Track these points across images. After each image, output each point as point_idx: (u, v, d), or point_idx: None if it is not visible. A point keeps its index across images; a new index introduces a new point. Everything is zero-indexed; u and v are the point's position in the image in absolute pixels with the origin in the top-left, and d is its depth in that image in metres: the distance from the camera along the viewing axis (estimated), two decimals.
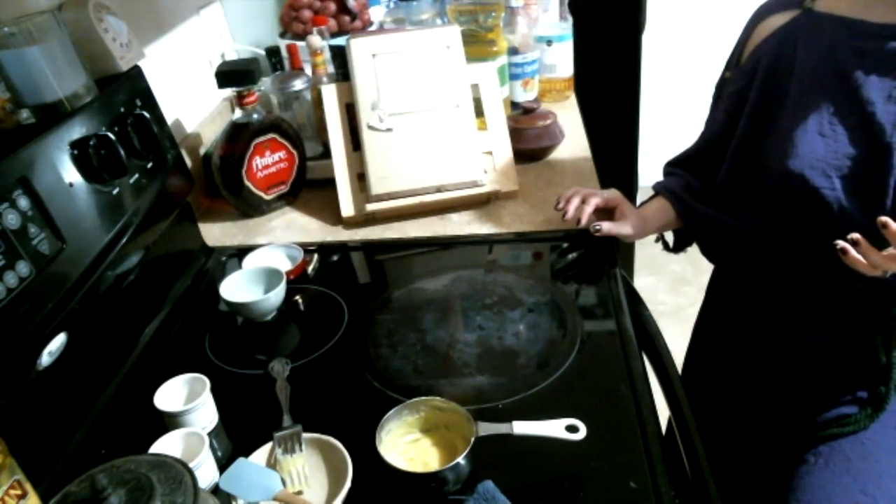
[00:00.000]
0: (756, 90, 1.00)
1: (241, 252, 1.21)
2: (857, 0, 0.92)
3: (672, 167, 1.19)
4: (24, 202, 0.80)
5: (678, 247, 1.23)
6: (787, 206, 0.98)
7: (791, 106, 0.95)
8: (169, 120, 1.18)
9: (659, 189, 1.16)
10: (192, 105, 1.46)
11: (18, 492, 0.60)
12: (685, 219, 1.12)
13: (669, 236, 1.23)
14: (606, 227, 1.10)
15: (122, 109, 1.02)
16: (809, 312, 1.02)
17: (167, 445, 0.79)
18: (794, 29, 0.98)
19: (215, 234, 1.31)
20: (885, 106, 0.89)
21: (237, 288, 1.07)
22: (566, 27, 1.69)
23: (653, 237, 1.22)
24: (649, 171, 1.99)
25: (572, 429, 0.75)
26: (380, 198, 1.26)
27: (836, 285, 0.98)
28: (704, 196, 1.12)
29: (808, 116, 0.93)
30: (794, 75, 0.96)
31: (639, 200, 1.25)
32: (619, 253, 1.16)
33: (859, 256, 0.83)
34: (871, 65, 0.90)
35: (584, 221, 1.11)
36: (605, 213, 1.14)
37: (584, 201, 1.12)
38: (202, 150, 1.41)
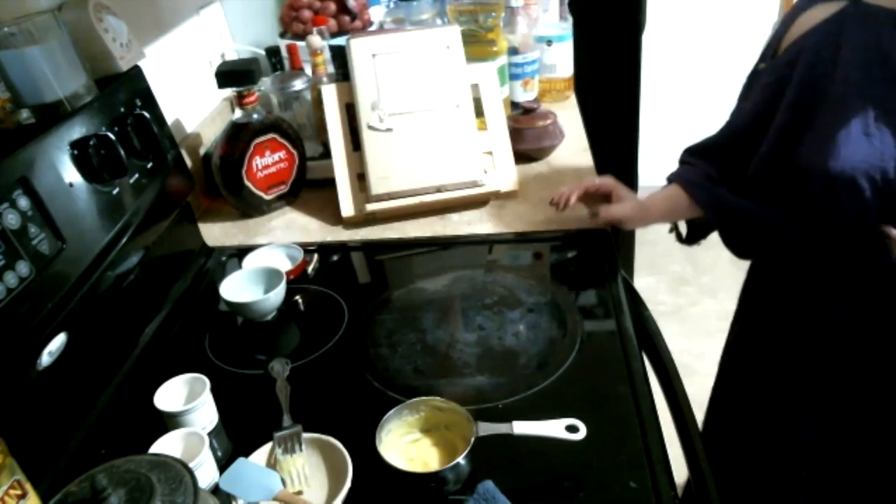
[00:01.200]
0: (796, 83, 0.95)
1: (241, 252, 1.21)
2: None
3: (690, 156, 1.15)
4: (24, 202, 0.80)
5: (693, 238, 1.19)
6: (825, 205, 0.94)
7: (834, 102, 0.91)
8: (169, 120, 1.18)
9: (674, 178, 1.12)
10: (192, 105, 1.46)
11: (18, 492, 0.60)
12: (709, 207, 1.07)
13: (683, 227, 1.19)
14: (603, 211, 1.08)
15: (122, 109, 1.02)
16: (844, 315, 0.99)
17: (167, 445, 0.79)
18: (840, 22, 0.92)
19: (215, 234, 1.31)
20: None
21: (237, 288, 1.07)
22: (566, 27, 1.69)
23: (654, 235, 1.20)
24: (649, 171, 1.99)
25: (572, 429, 0.75)
26: (380, 198, 1.26)
27: (872, 288, 0.96)
28: (724, 186, 1.08)
29: (852, 115, 0.88)
30: (837, 70, 0.91)
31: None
32: (620, 253, 1.16)
33: None
34: None
35: (573, 200, 1.09)
36: (603, 200, 1.12)
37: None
38: (202, 150, 1.41)
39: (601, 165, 1.41)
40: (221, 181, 1.30)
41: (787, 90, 0.96)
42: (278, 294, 1.04)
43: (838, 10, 0.93)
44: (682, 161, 1.15)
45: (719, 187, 1.07)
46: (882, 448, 1.05)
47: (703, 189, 1.08)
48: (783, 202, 1.00)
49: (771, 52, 1.04)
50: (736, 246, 1.10)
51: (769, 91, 1.00)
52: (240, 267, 1.15)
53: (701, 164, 1.11)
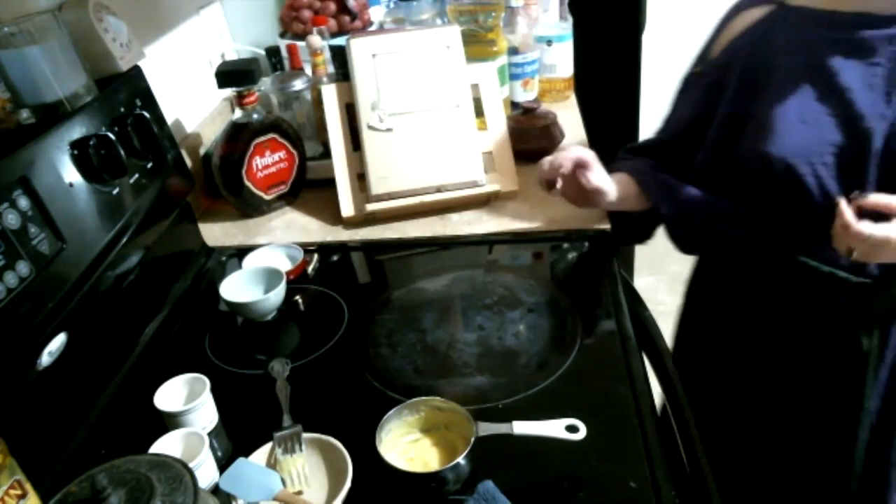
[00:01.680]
0: (735, 81, 1.01)
1: (241, 252, 1.21)
2: None
3: (629, 153, 1.15)
4: (24, 202, 0.80)
5: (631, 240, 1.20)
6: (769, 194, 0.98)
7: (770, 95, 0.96)
8: (169, 120, 1.18)
9: (621, 168, 1.10)
10: (192, 105, 1.46)
11: (18, 492, 0.60)
12: (658, 195, 1.06)
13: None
14: (594, 178, 1.03)
15: (122, 109, 1.02)
16: (797, 302, 1.02)
17: (167, 445, 0.79)
18: (770, 23, 0.99)
19: (215, 234, 1.31)
20: (864, 93, 0.90)
21: (237, 288, 1.07)
22: (566, 27, 1.69)
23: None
24: None
25: (572, 429, 0.75)
26: (380, 198, 1.26)
27: (819, 274, 0.99)
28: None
29: (789, 104, 0.94)
30: (772, 66, 0.97)
31: None
32: (619, 253, 1.16)
33: (849, 219, 0.85)
34: (846, 53, 0.92)
35: (568, 169, 1.03)
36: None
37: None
38: (202, 150, 1.41)
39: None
40: (221, 181, 1.30)
41: (727, 89, 1.01)
42: (278, 294, 1.04)
43: (767, 13, 0.99)
44: (620, 158, 1.15)
45: (665, 175, 1.09)
46: (840, 431, 1.07)
47: (651, 176, 1.09)
48: (729, 195, 1.03)
49: (705, 56, 1.08)
50: (681, 238, 1.10)
51: (706, 93, 1.05)
52: (240, 267, 1.15)
53: (642, 158, 1.13)
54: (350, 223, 1.29)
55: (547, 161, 1.06)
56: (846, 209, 0.85)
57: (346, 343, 1.00)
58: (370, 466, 0.74)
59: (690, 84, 1.11)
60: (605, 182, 1.05)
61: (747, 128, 0.99)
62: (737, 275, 1.11)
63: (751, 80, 0.99)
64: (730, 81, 1.01)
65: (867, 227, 0.84)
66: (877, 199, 0.86)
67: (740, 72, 1.00)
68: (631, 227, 1.19)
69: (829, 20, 0.93)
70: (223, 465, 0.80)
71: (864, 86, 0.90)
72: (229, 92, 1.34)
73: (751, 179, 0.99)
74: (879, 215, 0.86)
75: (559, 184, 1.06)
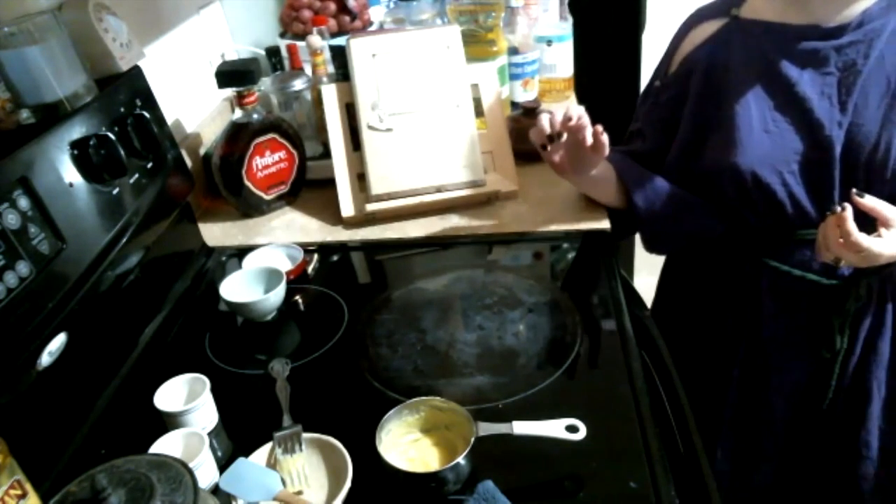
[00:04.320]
0: (694, 94, 1.02)
1: (241, 252, 1.21)
2: (775, 6, 0.97)
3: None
4: (24, 202, 0.80)
5: (618, 237, 1.19)
6: (739, 203, 0.99)
7: (732, 106, 0.98)
8: (169, 120, 1.17)
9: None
10: (192, 105, 1.46)
11: (18, 492, 0.60)
12: (631, 182, 1.06)
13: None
14: (602, 133, 1.01)
15: (122, 109, 1.02)
16: (767, 303, 1.04)
17: (167, 445, 0.79)
18: (726, 34, 1.01)
19: (215, 234, 1.31)
20: (821, 102, 0.93)
21: (237, 288, 1.07)
22: (566, 27, 1.69)
23: None
24: None
25: (572, 429, 0.75)
26: (380, 198, 1.26)
27: (790, 277, 1.01)
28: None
29: (752, 114, 0.96)
30: (731, 76, 0.99)
31: None
32: (619, 253, 1.16)
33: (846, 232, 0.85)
34: (800, 63, 0.94)
35: (575, 121, 1.01)
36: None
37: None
38: (202, 150, 1.41)
39: None
40: (221, 181, 1.30)
41: (688, 101, 1.04)
42: (278, 294, 1.04)
43: (723, 25, 1.02)
44: None
45: (641, 168, 1.10)
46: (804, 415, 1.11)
47: (628, 165, 1.09)
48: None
49: (664, 69, 1.11)
50: (650, 233, 1.11)
51: (671, 105, 1.07)
52: (240, 267, 1.15)
53: (620, 152, 1.13)
54: (350, 223, 1.29)
55: (546, 117, 1.02)
56: (850, 217, 0.84)
57: (346, 343, 1.00)
58: (370, 466, 0.74)
59: (651, 97, 1.13)
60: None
61: (710, 140, 1.00)
62: (706, 277, 1.13)
63: (711, 90, 1.01)
64: (690, 93, 1.03)
65: (866, 240, 0.85)
66: (874, 203, 0.86)
67: (700, 82, 1.02)
68: (619, 223, 1.19)
69: (779, 32, 0.96)
70: (223, 465, 0.80)
71: (820, 95, 0.93)
72: (229, 92, 1.34)
73: (720, 190, 1.00)
74: (863, 220, 0.86)
75: (563, 137, 1.02)
